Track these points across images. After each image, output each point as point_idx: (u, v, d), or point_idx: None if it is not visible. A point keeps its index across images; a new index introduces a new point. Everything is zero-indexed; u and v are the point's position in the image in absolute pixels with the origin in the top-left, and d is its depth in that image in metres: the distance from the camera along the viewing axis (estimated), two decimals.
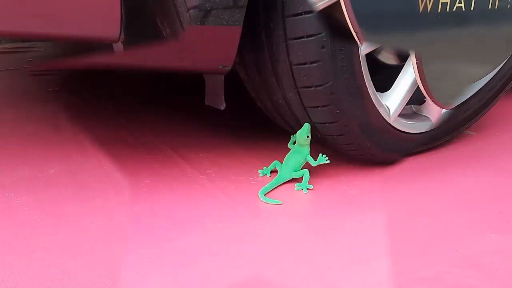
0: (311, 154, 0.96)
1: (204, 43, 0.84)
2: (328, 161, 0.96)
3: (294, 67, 0.87)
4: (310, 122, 0.95)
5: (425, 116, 1.08)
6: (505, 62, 1.13)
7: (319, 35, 0.83)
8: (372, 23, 0.81)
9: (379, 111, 0.96)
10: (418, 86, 0.94)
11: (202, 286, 0.67)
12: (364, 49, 0.90)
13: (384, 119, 0.98)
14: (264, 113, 1.07)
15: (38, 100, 1.51)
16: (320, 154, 0.96)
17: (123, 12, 0.74)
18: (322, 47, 0.84)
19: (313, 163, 0.96)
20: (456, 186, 0.99)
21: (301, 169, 0.96)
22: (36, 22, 0.77)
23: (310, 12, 0.81)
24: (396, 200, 0.94)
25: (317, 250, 0.76)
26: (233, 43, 0.82)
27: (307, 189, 0.94)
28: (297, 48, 0.85)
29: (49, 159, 1.05)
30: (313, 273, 0.70)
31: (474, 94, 1.12)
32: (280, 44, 0.86)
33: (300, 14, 0.82)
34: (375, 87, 0.95)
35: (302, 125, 0.95)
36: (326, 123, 0.93)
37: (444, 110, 1.07)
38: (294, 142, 0.99)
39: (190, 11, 0.75)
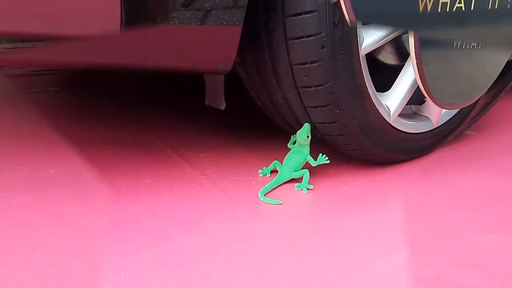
0: (311, 154, 0.97)
1: (204, 43, 0.84)
2: (328, 161, 0.96)
3: (294, 67, 0.87)
4: (310, 122, 0.95)
5: (425, 116, 1.08)
6: None
7: (319, 35, 0.83)
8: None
9: (379, 111, 0.96)
10: (418, 86, 0.94)
11: (202, 286, 0.67)
12: (365, 49, 0.91)
13: (384, 119, 0.98)
14: (264, 113, 1.07)
15: (38, 100, 1.51)
16: (320, 154, 0.96)
17: (123, 12, 0.74)
18: (322, 47, 0.84)
19: (313, 163, 0.96)
20: (456, 186, 0.99)
21: (301, 169, 0.96)
22: (36, 22, 0.77)
23: (310, 12, 0.81)
24: (396, 200, 0.94)
25: (317, 250, 0.76)
26: (233, 43, 0.82)
27: (307, 189, 0.94)
28: (297, 48, 0.85)
29: (49, 159, 1.05)
30: (313, 273, 0.70)
31: None
32: (280, 44, 0.86)
33: (300, 14, 0.82)
34: (375, 87, 0.95)
35: (302, 125, 0.95)
36: (326, 123, 0.93)
37: (444, 110, 1.07)
38: (294, 142, 0.99)
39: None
